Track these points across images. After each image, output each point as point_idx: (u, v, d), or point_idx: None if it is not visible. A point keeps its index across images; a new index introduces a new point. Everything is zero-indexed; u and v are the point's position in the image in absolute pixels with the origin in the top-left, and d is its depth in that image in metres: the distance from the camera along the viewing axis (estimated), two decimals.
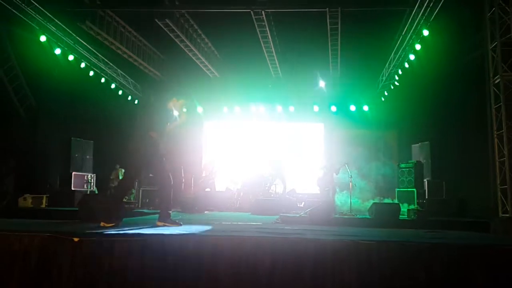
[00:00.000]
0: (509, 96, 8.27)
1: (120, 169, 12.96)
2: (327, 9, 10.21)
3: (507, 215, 7.94)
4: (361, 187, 12.74)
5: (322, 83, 14.78)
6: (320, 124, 16.04)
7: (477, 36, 9.70)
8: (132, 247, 3.84)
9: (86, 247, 3.86)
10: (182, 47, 12.35)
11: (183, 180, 13.84)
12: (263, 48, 12.43)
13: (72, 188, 11.70)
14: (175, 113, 6.51)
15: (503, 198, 8.17)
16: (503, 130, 8.19)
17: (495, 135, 8.41)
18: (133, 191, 14.01)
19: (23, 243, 3.96)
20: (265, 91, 15.37)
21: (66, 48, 11.66)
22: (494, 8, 8.40)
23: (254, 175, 13.26)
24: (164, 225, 5.51)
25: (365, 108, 15.09)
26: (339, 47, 12.26)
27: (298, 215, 8.86)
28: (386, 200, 12.41)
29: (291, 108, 15.57)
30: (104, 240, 3.93)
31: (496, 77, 8.38)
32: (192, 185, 13.50)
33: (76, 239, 3.89)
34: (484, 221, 8.21)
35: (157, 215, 5.88)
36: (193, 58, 13.23)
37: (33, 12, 10.21)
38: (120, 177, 12.54)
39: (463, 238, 5.25)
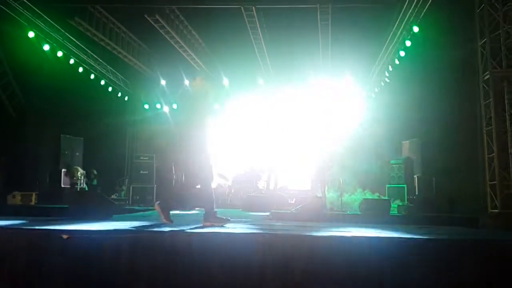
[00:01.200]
0: (498, 93, 8.35)
1: (75, 167, 12.77)
2: (318, 5, 10.21)
3: (496, 210, 8.01)
4: (351, 184, 12.78)
5: (313, 79, 14.79)
6: (311, 120, 16.01)
7: (467, 33, 9.74)
8: (122, 244, 3.81)
9: (76, 245, 3.83)
10: (172, 43, 12.29)
11: (174, 177, 13.85)
12: (254, 44, 12.40)
13: (62, 185, 11.60)
14: (216, 106, 6.21)
15: (492, 194, 8.25)
16: (492, 126, 8.26)
17: (485, 131, 8.48)
18: (124, 188, 13.97)
19: (12, 241, 3.93)
20: (256, 88, 15.34)
21: (55, 44, 11.54)
22: (483, 5, 8.46)
23: (244, 170, 13.27)
24: (211, 225, 5.25)
25: (356, 104, 15.11)
26: (330, 43, 12.28)
27: (289, 211, 8.86)
28: (376, 196, 12.46)
29: (282, 104, 15.54)
30: (94, 237, 3.90)
31: (486, 74, 8.44)
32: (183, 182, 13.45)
33: (65, 237, 3.86)
34: (473, 216, 8.27)
35: (148, 212, 5.85)
36: (184, 54, 13.18)
37: (21, 8, 10.09)
38: (80, 176, 12.56)
39: (453, 234, 5.29)
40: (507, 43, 8.33)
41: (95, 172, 13.13)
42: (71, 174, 12.24)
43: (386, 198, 11.50)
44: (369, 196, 11.95)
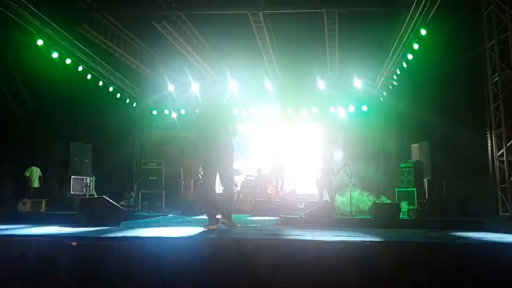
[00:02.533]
0: (507, 95, 8.27)
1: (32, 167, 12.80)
2: (324, 9, 10.21)
3: (507, 214, 7.92)
4: (361, 188, 12.73)
5: (320, 84, 14.78)
6: (319, 124, 16.03)
7: (475, 35, 9.68)
8: (131, 250, 3.82)
9: (84, 252, 3.84)
10: (180, 49, 12.34)
11: (183, 183, 13.89)
12: (261, 49, 12.42)
13: (71, 192, 11.66)
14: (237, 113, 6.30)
15: (503, 197, 8.16)
16: (502, 129, 8.18)
17: (494, 134, 8.40)
18: (133, 194, 14.01)
19: (22, 248, 3.94)
20: (263, 92, 15.35)
21: (63, 52, 11.63)
22: (491, 7, 8.41)
23: (254, 176, 13.26)
24: (224, 223, 5.73)
25: (364, 108, 15.08)
26: (337, 47, 12.26)
27: (298, 216, 8.83)
28: (386, 200, 12.39)
29: (290, 109, 15.55)
30: (103, 245, 3.91)
31: (495, 76, 8.37)
32: (192, 188, 13.48)
33: (74, 244, 3.87)
34: (484, 220, 8.19)
35: (156, 218, 5.86)
36: (191, 60, 13.22)
37: (30, 16, 10.19)
38: (35, 179, 12.63)
39: (463, 238, 5.24)
40: None
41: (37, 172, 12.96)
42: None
43: (396, 202, 11.45)
44: (371, 200, 11.91)
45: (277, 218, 9.13)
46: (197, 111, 6.09)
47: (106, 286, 3.73)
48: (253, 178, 13.30)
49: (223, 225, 5.76)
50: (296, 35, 12.05)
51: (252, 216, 10.63)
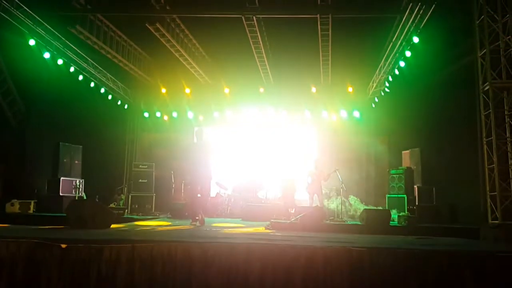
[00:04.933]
0: (498, 104, 8.32)
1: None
2: (318, 15, 10.24)
3: (497, 221, 7.96)
4: (351, 193, 12.75)
5: (313, 89, 14.83)
6: (312, 129, 16.04)
7: (466, 44, 9.76)
8: (120, 253, 3.78)
9: (73, 254, 3.80)
10: (173, 51, 12.31)
11: (173, 186, 13.82)
12: (254, 54, 12.43)
13: (60, 194, 11.55)
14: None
15: (492, 205, 8.20)
16: (492, 137, 8.23)
17: (485, 142, 8.45)
18: (123, 197, 13.92)
19: (10, 250, 3.89)
20: (256, 96, 15.36)
21: (55, 52, 11.54)
22: (483, 16, 8.48)
23: (245, 180, 13.23)
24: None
25: (356, 114, 15.14)
26: (330, 53, 12.30)
27: (289, 221, 8.83)
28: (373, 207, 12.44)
29: (283, 113, 15.56)
30: (92, 247, 3.87)
31: (485, 84, 8.43)
32: (182, 191, 13.42)
33: (63, 246, 3.83)
34: (474, 227, 8.24)
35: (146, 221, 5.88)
36: (184, 63, 13.20)
37: (22, 16, 10.10)
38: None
39: (453, 245, 5.26)
40: (506, 54, 8.33)
41: None
42: None
43: (387, 208, 11.48)
44: (361, 206, 11.94)
45: (268, 222, 9.13)
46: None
47: None
48: (243, 183, 13.27)
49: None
50: (289, 39, 12.07)
51: (243, 220, 10.62)
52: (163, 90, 15.27)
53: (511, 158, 8.14)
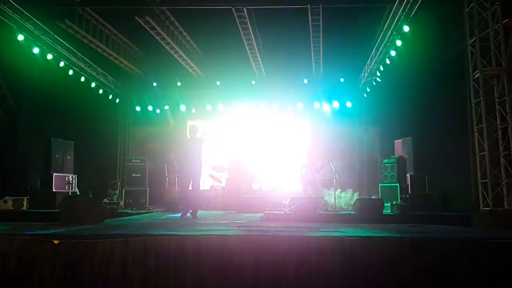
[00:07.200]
0: (488, 91, 8.38)
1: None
2: (309, 5, 10.21)
3: (488, 208, 8.05)
4: (344, 183, 12.80)
5: (305, 80, 14.84)
6: (304, 121, 16.05)
7: (457, 32, 9.79)
8: (113, 248, 3.78)
9: (66, 250, 3.79)
10: (163, 44, 12.23)
11: (167, 179, 13.79)
12: (246, 46, 12.39)
13: (53, 190, 11.49)
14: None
15: (484, 192, 8.28)
16: (482, 125, 8.29)
17: (475, 130, 8.51)
18: (116, 191, 13.89)
19: (2, 246, 3.88)
20: (248, 89, 15.33)
21: (44, 47, 11.43)
22: (472, 4, 8.50)
23: (238, 172, 13.22)
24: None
25: (348, 104, 15.16)
26: (321, 43, 12.29)
27: (283, 212, 8.86)
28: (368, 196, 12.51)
29: (275, 106, 15.55)
30: (85, 242, 3.86)
31: (476, 72, 8.48)
32: (176, 184, 13.39)
33: (56, 242, 3.82)
34: (465, 214, 8.32)
35: (140, 215, 5.90)
36: (175, 56, 13.13)
37: (10, 11, 9.98)
38: None
39: (445, 232, 5.30)
40: (496, 42, 8.37)
41: None
42: None
43: (380, 197, 11.55)
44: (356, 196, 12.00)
45: (262, 214, 9.16)
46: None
47: (89, 284, 3.69)
48: (237, 175, 13.25)
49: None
50: (280, 31, 12.03)
51: (237, 212, 10.64)
52: (154, 84, 15.18)
53: (502, 145, 8.21)
